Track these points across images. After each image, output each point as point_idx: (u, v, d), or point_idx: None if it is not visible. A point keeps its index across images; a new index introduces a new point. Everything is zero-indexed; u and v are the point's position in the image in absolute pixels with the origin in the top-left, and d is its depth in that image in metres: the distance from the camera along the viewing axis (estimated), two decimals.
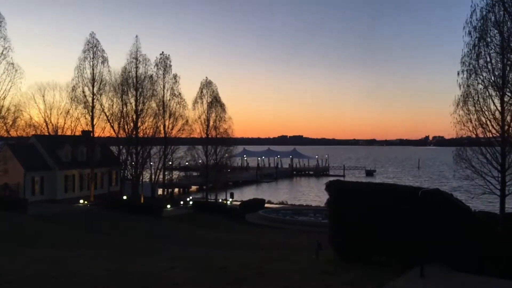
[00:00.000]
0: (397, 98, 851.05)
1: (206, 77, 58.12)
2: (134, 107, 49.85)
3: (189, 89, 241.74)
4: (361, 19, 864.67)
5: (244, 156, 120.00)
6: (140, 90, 49.93)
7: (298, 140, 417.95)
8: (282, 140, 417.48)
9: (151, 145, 51.95)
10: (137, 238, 24.57)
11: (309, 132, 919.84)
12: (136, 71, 49.56)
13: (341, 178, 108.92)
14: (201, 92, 56.86)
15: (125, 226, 31.57)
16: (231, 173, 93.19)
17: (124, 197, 49.58)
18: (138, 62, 49.49)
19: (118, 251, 17.85)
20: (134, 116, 49.94)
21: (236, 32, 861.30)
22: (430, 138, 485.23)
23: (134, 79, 49.55)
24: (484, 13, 23.06)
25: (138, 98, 49.73)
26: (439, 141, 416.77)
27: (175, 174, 73.33)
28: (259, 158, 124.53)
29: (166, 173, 57.35)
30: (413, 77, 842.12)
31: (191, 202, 51.81)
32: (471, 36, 23.23)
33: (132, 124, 49.98)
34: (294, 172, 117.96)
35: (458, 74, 24.70)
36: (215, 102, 57.29)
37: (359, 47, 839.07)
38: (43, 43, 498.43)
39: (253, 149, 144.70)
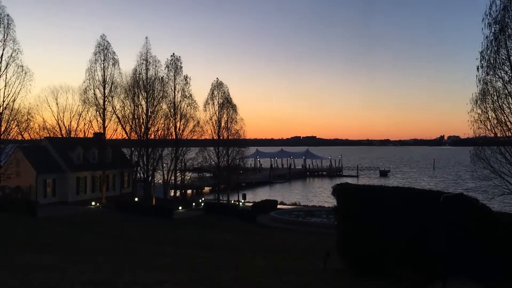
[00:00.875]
0: (411, 97, 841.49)
1: (217, 78, 58.03)
2: (145, 109, 49.77)
3: (200, 91, 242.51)
4: (375, 17, 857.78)
5: (257, 157, 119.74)
6: (151, 92, 49.83)
7: (312, 141, 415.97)
8: (296, 141, 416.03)
9: (163, 146, 51.81)
10: (141, 242, 24.14)
11: (323, 132, 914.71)
12: (147, 73, 49.50)
13: (355, 179, 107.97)
14: (212, 93, 56.73)
15: (132, 229, 31.23)
16: (244, 174, 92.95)
17: (136, 199, 49.49)
18: (148, 63, 49.47)
19: (114, 256, 17.35)
20: (145, 118, 49.87)
21: (248, 32, 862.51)
22: (445, 138, 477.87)
23: (145, 81, 49.46)
24: (505, 3, 21.90)
25: (149, 99, 49.62)
26: (455, 141, 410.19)
27: (189, 175, 73.36)
28: (272, 159, 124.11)
29: (178, 174, 57.22)
30: (428, 76, 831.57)
31: (202, 204, 51.46)
32: (490, 29, 22.09)
33: (143, 126, 49.91)
34: (307, 173, 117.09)
35: (478, 69, 23.64)
36: (227, 103, 57.08)
37: (372, 47, 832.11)
38: (55, 45, 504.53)
39: (266, 150, 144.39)
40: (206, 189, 79.01)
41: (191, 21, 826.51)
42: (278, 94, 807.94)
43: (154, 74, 49.81)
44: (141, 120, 49.95)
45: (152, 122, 50.26)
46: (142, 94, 49.62)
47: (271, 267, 12.93)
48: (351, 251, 10.68)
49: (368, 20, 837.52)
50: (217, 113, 56.45)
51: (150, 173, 50.98)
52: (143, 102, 49.70)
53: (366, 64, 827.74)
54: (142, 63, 49.23)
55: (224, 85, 56.98)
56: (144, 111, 49.73)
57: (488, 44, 22.32)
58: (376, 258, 10.09)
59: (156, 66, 49.85)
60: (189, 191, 76.91)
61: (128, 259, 16.44)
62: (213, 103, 56.43)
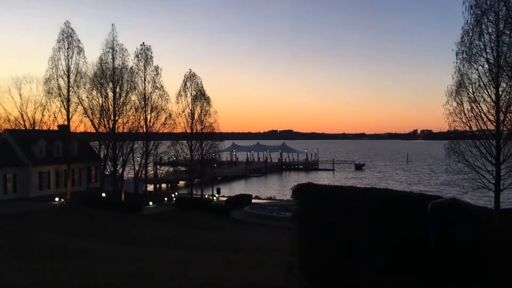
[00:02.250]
0: (386, 92, 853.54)
1: (190, 69, 56.11)
2: (112, 100, 47.44)
3: (172, 85, 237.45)
4: (353, 14, 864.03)
5: (233, 150, 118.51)
6: (120, 82, 47.54)
7: (288, 134, 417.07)
8: (272, 134, 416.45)
9: (132, 140, 49.69)
10: (100, 241, 22.55)
11: (299, 126, 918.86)
12: (113, 62, 47.08)
13: (331, 172, 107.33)
14: (185, 85, 54.94)
15: (93, 226, 29.40)
16: (219, 167, 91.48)
17: (104, 194, 47.46)
18: (114, 52, 46.98)
19: (59, 259, 15.86)
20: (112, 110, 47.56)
21: (223, 24, 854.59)
22: (419, 131, 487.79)
23: (111, 71, 47.09)
24: None
25: (116, 90, 47.35)
26: (427, 135, 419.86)
27: (164, 169, 71.33)
28: (248, 153, 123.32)
29: (149, 168, 55.29)
30: (402, 71, 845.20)
31: (175, 199, 49.90)
32: (471, 12, 21.09)
33: (112, 118, 47.67)
34: (284, 167, 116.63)
35: (457, 55, 22.80)
36: (200, 96, 55.47)
37: (348, 43, 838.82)
38: (21, 33, 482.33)
39: (242, 143, 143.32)
40: (181, 183, 77.24)
41: (162, 12, 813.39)
42: (255, 88, 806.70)
43: (121, 64, 47.42)
44: (110, 112, 47.69)
45: (120, 114, 48.02)
46: (109, 84, 47.29)
47: (229, 279, 11.64)
48: (314, 266, 9.07)
49: (339, 12, 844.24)
50: (190, 105, 54.78)
51: (119, 167, 48.89)
52: (110, 93, 47.39)
53: (340, 58, 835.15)
54: (108, 52, 46.76)
55: (197, 76, 55.31)
56: (111, 102, 47.44)
57: (465, 32, 21.45)
58: (347, 271, 8.67)
59: (123, 55, 47.41)
60: (163, 185, 75.04)
61: (74, 263, 14.95)
62: (186, 95, 54.74)
